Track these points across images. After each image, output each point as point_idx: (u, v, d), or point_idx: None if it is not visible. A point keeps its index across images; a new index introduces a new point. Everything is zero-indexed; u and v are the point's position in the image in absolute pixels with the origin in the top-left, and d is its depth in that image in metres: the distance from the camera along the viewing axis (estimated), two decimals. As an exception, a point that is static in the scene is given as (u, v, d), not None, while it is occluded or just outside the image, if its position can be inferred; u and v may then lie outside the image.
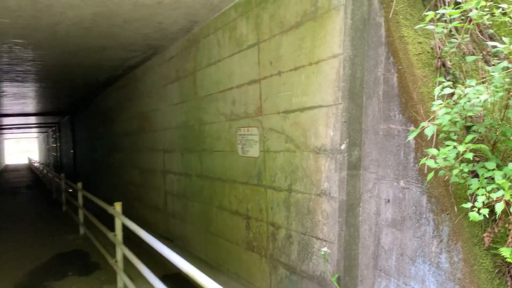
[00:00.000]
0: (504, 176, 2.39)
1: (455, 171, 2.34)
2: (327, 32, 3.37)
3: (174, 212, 7.28)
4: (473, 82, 2.36)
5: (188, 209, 6.62)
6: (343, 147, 3.31)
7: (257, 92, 4.46)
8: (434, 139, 2.71)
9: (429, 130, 2.53)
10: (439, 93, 2.48)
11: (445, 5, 3.19)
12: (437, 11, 2.74)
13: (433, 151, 2.41)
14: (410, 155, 2.93)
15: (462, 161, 2.48)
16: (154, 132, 8.06)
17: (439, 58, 2.96)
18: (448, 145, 2.46)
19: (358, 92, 3.28)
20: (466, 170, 2.37)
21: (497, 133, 2.59)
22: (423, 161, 2.51)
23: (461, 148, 2.29)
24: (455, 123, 2.65)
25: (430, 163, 2.52)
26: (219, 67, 5.30)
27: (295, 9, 3.75)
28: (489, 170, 2.45)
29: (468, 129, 2.82)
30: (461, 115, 2.62)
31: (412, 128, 2.90)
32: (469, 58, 2.80)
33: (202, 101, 5.89)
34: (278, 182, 4.19)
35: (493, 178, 2.43)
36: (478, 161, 2.63)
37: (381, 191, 3.19)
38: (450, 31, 3.00)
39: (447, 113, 2.57)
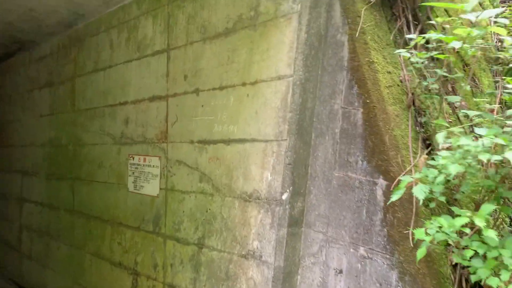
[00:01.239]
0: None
1: (468, 252, 1.70)
2: (271, 45, 2.59)
3: (31, 253, 5.67)
4: (492, 131, 1.77)
5: (52, 251, 5.14)
6: (285, 196, 2.51)
7: (162, 111, 3.46)
8: (415, 199, 2.07)
9: (419, 191, 1.88)
10: (443, 142, 1.84)
11: (409, 30, 2.67)
12: (425, 35, 2.15)
13: (442, 220, 1.73)
14: (376, 216, 2.26)
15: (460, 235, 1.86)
16: (10, 147, 6.34)
17: (412, 94, 2.38)
18: (444, 213, 1.83)
19: (307, 127, 2.54)
20: (481, 251, 1.74)
21: (489, 196, 2.06)
22: (418, 235, 1.83)
23: (479, 222, 1.65)
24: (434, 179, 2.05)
25: (420, 234, 1.86)
26: (110, 75, 4.16)
27: (226, 12, 2.91)
28: (491, 247, 1.86)
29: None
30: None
31: (381, 180, 2.23)
32: (452, 98, 2.26)
33: (82, 115, 4.63)
34: (185, 232, 3.21)
35: (496, 258, 1.85)
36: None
37: (330, 257, 2.45)
38: (422, 62, 2.45)
39: (433, 167, 1.96)
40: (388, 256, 2.20)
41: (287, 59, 2.49)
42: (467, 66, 3.20)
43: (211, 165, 3.00)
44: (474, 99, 2.90)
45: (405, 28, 2.68)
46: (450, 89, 2.91)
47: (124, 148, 3.94)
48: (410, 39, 2.19)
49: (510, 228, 2.37)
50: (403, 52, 2.23)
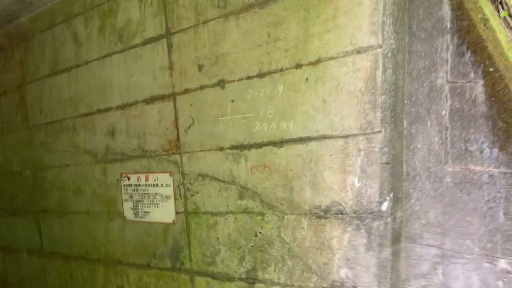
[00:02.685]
0: None
1: None
2: (339, 10, 1.96)
3: (-17, 309, 4.55)
4: None
5: (15, 305, 4.12)
6: (384, 207, 1.91)
7: (168, 115, 2.70)
8: None
9: None
10: None
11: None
12: None
13: None
14: (522, 217, 1.73)
15: None
16: None
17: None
18: None
19: (400, 113, 1.96)
20: None
21: None
22: None
23: None
24: None
25: None
26: (78, 77, 3.28)
27: (257, -24, 2.23)
28: None
29: None
30: None
31: (524, 170, 1.71)
32: None
33: (40, 131, 3.68)
34: (224, 265, 2.50)
35: None
36: None
37: (452, 276, 1.90)
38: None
39: None
40: (548, 268, 1.69)
41: (369, 26, 1.88)
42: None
43: (256, 175, 2.31)
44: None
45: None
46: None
47: (112, 166, 3.10)
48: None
49: None
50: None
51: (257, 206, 2.33)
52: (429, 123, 1.93)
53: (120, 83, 2.97)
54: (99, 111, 3.13)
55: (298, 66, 2.11)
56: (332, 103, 2.01)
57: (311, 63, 2.06)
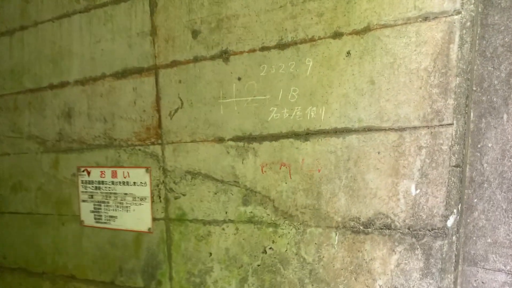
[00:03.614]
0: None
1: None
2: (400, -37, 1.50)
3: None
4: None
5: None
6: (451, 222, 1.48)
7: (147, 93, 2.11)
8: None
9: None
10: None
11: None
12: None
13: None
14: None
15: None
16: None
17: None
18: None
19: (468, 102, 1.54)
20: None
21: None
22: None
23: None
24: None
25: None
26: (24, 41, 2.58)
27: None
28: None
29: None
30: None
31: None
32: None
33: (-31, 110, 2.91)
34: (216, 286, 1.97)
35: None
36: None
37: (525, 310, 1.52)
38: None
39: None
40: None
41: (443, -16, 1.43)
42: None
43: (269, 176, 1.80)
44: None
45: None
46: None
47: (66, 157, 2.45)
48: None
49: None
50: None
51: (268, 215, 1.82)
52: (505, 116, 1.52)
53: (81, 52, 2.33)
54: (52, 86, 2.46)
55: (337, 35, 1.62)
56: (383, 85, 1.54)
57: (356, 32, 1.58)
